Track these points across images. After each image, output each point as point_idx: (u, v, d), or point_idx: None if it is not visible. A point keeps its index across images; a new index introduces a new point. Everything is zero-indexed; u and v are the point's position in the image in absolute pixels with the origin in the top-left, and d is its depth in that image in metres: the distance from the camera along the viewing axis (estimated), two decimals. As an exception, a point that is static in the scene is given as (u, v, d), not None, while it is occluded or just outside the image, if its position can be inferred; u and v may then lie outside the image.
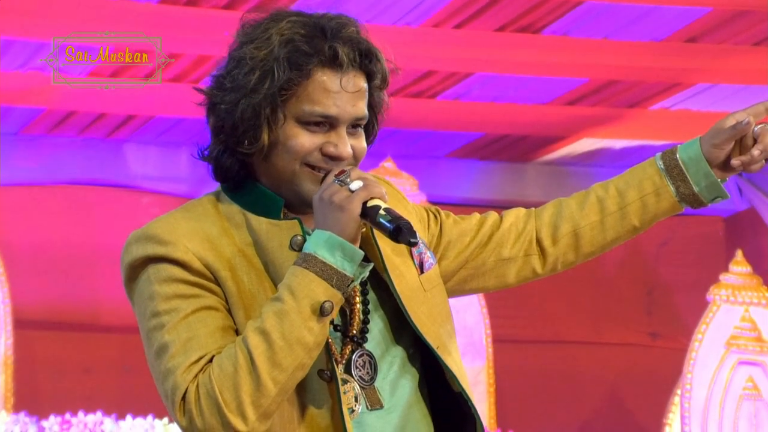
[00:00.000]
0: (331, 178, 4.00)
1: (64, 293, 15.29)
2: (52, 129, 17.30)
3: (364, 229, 4.06)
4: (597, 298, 18.26)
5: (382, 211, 3.89)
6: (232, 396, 4.02)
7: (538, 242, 4.65)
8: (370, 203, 3.89)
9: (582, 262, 4.72)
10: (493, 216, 4.72)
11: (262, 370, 4.02)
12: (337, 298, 3.91)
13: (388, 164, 14.33)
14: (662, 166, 4.45)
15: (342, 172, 3.98)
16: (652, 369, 17.34)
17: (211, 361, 4.06)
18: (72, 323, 15.30)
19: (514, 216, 4.69)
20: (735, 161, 4.29)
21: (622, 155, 17.50)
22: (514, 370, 14.61)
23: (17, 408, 14.55)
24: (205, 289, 4.15)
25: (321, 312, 3.92)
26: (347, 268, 3.98)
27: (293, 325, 4.02)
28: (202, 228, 4.24)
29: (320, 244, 4.00)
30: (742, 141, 4.42)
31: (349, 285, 3.98)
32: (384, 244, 4.27)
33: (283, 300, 4.01)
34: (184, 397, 3.98)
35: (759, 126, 4.34)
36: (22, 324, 14.89)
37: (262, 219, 4.19)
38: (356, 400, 4.27)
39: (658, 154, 4.50)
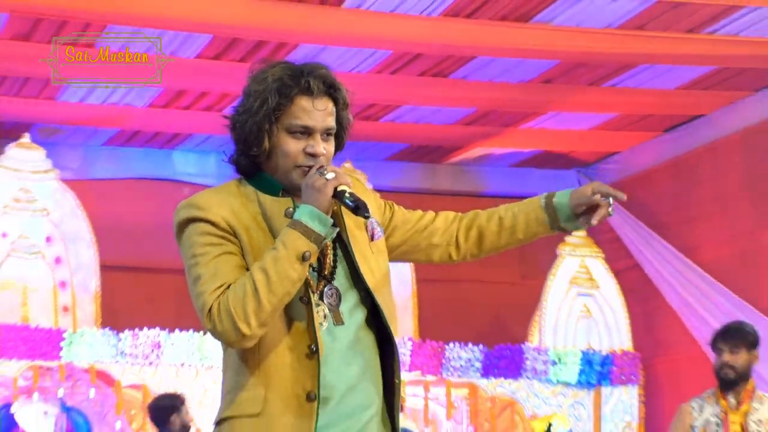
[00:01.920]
0: (314, 170, 4.13)
1: (134, 248, 14.89)
2: (125, 142, 16.33)
3: (335, 207, 4.21)
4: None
5: (347, 194, 4.07)
6: (241, 311, 4.10)
7: (456, 238, 4.74)
8: (339, 188, 4.05)
9: (483, 256, 4.85)
10: (430, 214, 4.83)
11: (261, 295, 4.12)
12: (314, 249, 4.12)
13: (347, 165, 13.25)
14: (543, 204, 4.58)
15: (321, 166, 4.14)
16: (522, 299, 16.94)
17: (228, 287, 4.17)
18: (139, 268, 15.02)
19: (444, 217, 4.80)
20: (582, 222, 4.52)
21: (500, 158, 16.40)
22: (430, 299, 14.27)
23: (103, 325, 13.92)
24: (228, 241, 4.27)
25: (302, 258, 4.09)
26: (321, 230, 4.11)
27: (284, 266, 4.12)
28: (228, 201, 4.36)
29: (304, 214, 4.11)
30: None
31: (322, 241, 4.14)
32: (348, 218, 4.40)
33: (278, 249, 4.14)
34: (210, 311, 4.15)
35: (602, 198, 4.45)
36: (105, 269, 14.25)
37: (267, 196, 4.39)
38: (325, 318, 4.30)
39: (543, 195, 4.66)
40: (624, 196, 4.50)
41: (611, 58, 13.36)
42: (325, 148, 4.28)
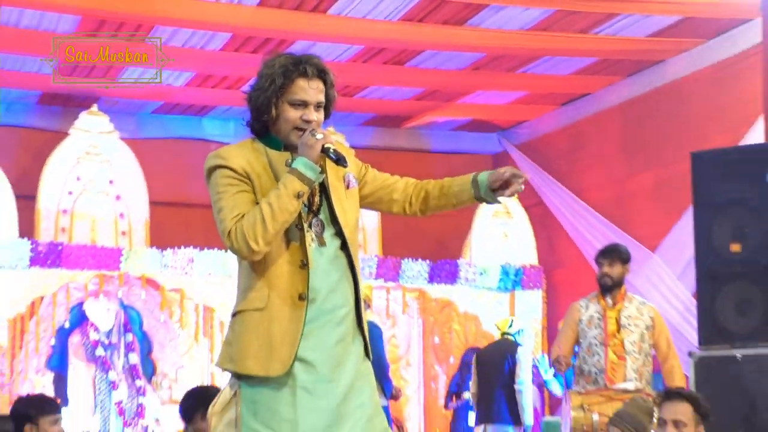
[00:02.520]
0: (307, 132, 4.23)
1: (174, 189, 14.36)
2: (167, 111, 15.66)
3: (321, 163, 4.27)
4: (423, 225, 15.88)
5: (331, 150, 4.19)
6: (252, 233, 4.19)
7: (410, 198, 4.67)
8: (326, 146, 4.17)
9: (429, 214, 4.74)
10: (395, 177, 4.82)
11: (267, 222, 4.21)
12: (306, 189, 4.21)
13: (331, 129, 12.40)
14: (471, 181, 4.47)
15: (313, 129, 4.23)
16: (458, 227, 15.65)
17: (243, 216, 4.25)
18: (177, 203, 14.39)
19: (404, 181, 4.75)
20: (498, 195, 4.44)
21: (443, 125, 16.06)
22: (391, 227, 13.82)
23: (151, 245, 13.63)
24: (243, 182, 4.35)
25: (297, 196, 4.20)
26: (311, 176, 4.20)
27: (284, 201, 4.22)
28: (244, 153, 4.44)
29: (300, 164, 4.21)
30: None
31: (312, 183, 4.22)
32: (330, 172, 4.46)
33: (280, 189, 4.24)
34: (229, 233, 4.25)
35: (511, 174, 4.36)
36: (153, 204, 13.96)
37: (273, 151, 4.46)
38: (313, 240, 4.39)
39: (472, 174, 4.59)
40: (527, 176, 4.59)
41: (523, 51, 13.18)
42: (316, 116, 4.33)
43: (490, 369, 12.76)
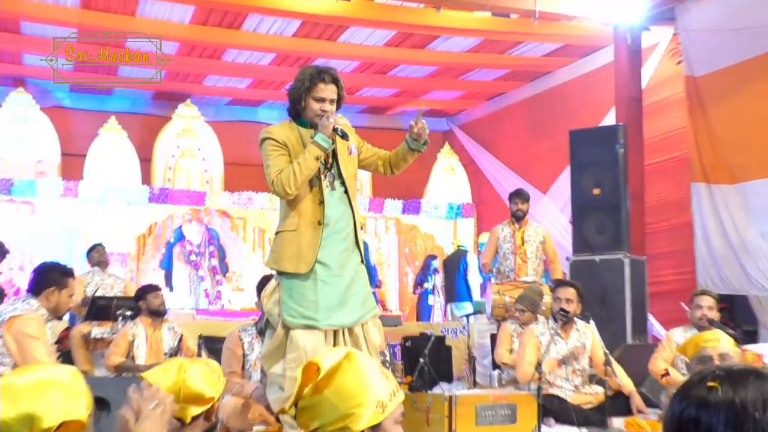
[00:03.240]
0: (324, 117, 4.22)
1: (240, 154, 13.22)
2: (236, 103, 14.87)
3: (333, 137, 4.24)
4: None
5: (339, 129, 4.20)
6: (287, 181, 4.19)
7: (386, 163, 4.58)
8: (336, 127, 4.17)
9: (397, 172, 4.66)
10: (381, 151, 4.69)
11: (297, 174, 4.21)
12: (322, 154, 4.22)
13: (340, 115, 12.06)
14: (404, 141, 4.42)
15: (329, 116, 4.23)
16: (421, 178, 14.99)
17: (281, 171, 4.24)
18: (242, 163, 13.30)
19: (385, 153, 4.64)
20: (414, 139, 4.36)
21: (411, 113, 15.84)
22: (377, 177, 13.45)
23: (225, 190, 13.59)
24: (282, 149, 4.33)
25: (316, 158, 4.21)
26: (326, 145, 4.16)
27: (308, 161, 4.21)
28: (284, 130, 4.43)
29: (319, 138, 4.16)
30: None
31: (326, 150, 4.20)
32: (339, 144, 4.41)
33: (305, 153, 4.22)
34: (273, 182, 4.27)
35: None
36: (227, 164, 13.79)
37: (303, 128, 4.39)
38: (326, 186, 4.36)
39: (406, 137, 4.57)
40: (421, 113, 4.51)
41: (463, 65, 13.07)
42: (330, 107, 4.34)
43: (452, 268, 13.24)
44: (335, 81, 4.41)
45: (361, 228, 9.49)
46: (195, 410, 2.65)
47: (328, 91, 4.37)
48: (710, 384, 1.35)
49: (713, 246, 9.43)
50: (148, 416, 2.20)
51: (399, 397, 2.18)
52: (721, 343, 3.45)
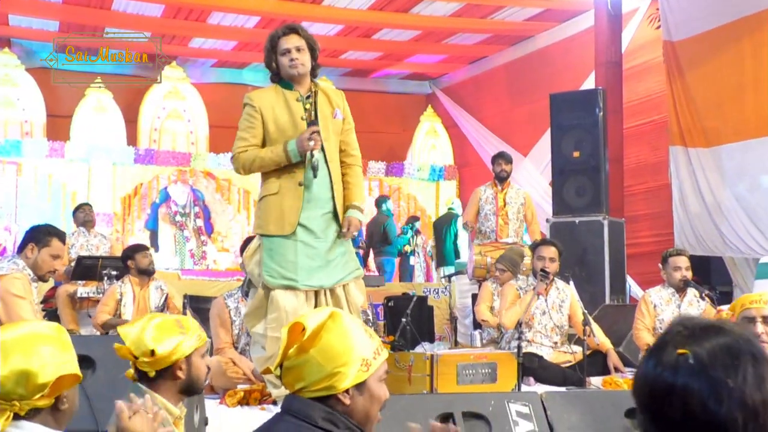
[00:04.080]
0: (308, 136, 4.17)
1: (223, 117, 12.12)
2: (221, 66, 14.69)
3: (308, 104, 4.28)
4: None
5: (315, 160, 4.19)
6: (244, 164, 4.25)
7: (343, 156, 4.43)
8: (312, 152, 4.16)
9: None
10: (351, 151, 4.54)
11: (254, 165, 4.22)
12: (284, 163, 4.21)
13: (329, 83, 11.84)
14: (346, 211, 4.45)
15: (313, 138, 4.16)
16: (404, 141, 15.31)
17: (245, 150, 4.27)
18: (225, 126, 13.54)
19: (352, 155, 4.53)
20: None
21: (394, 75, 16.27)
22: (362, 141, 13.62)
23: (210, 151, 13.35)
24: (255, 119, 4.26)
25: (278, 163, 4.20)
26: (293, 159, 4.14)
27: (268, 161, 4.19)
28: (268, 95, 4.37)
29: (291, 149, 4.11)
30: None
31: (290, 162, 4.20)
32: (323, 106, 4.35)
33: (272, 153, 4.18)
34: (233, 157, 4.35)
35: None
36: (211, 126, 13.33)
37: (287, 90, 4.29)
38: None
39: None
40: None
41: (445, 29, 12.93)
42: (298, 55, 4.24)
43: (442, 231, 13.19)
44: (293, 30, 4.33)
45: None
46: (150, 364, 2.58)
47: (288, 41, 4.27)
48: (680, 351, 1.36)
49: (690, 208, 9.47)
50: (141, 416, 2.18)
51: (383, 356, 2.15)
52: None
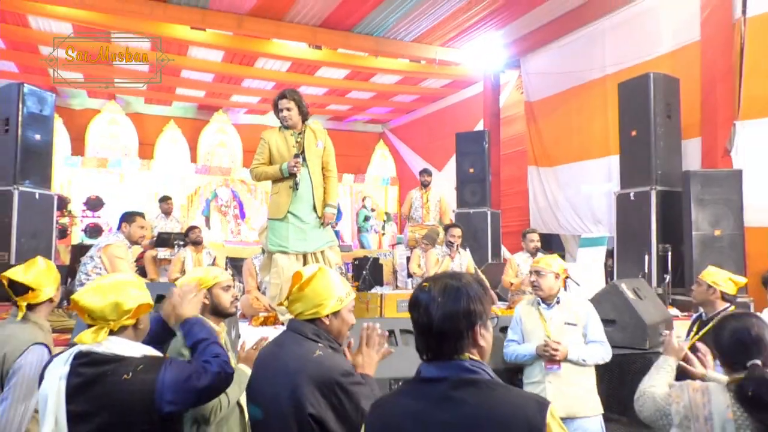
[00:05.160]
0: (293, 165, 3.99)
1: None
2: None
3: (299, 140, 4.06)
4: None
5: (296, 176, 4.02)
6: (256, 176, 4.07)
7: (324, 171, 4.24)
8: (294, 172, 3.98)
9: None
10: (330, 165, 4.27)
11: (261, 176, 4.04)
12: (279, 176, 4.02)
13: (318, 124, 11.61)
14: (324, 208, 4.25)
15: (296, 166, 3.97)
16: (371, 140, 15.47)
17: (257, 167, 4.09)
18: None
19: (330, 168, 4.26)
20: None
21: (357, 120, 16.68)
22: (338, 164, 13.27)
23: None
24: (265, 146, 4.08)
25: (275, 178, 4.06)
26: (284, 173, 3.99)
27: (270, 174, 4.04)
28: (273, 133, 4.17)
29: (283, 169, 3.98)
30: None
31: (283, 175, 4.00)
32: (309, 140, 4.13)
33: (275, 170, 4.02)
34: (251, 169, 4.12)
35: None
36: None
37: (286, 130, 4.11)
38: (302, 165, 4.07)
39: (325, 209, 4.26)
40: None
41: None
42: (287, 112, 4.04)
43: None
44: (284, 96, 4.13)
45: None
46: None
47: (282, 104, 4.10)
48: (424, 284, 1.48)
49: (539, 204, 9.53)
50: (188, 301, 2.13)
51: (352, 296, 2.14)
52: (542, 262, 3.47)
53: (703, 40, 6.44)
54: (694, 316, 3.60)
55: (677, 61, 6.86)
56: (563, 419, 3.16)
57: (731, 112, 6.07)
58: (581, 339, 3.36)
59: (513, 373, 3.51)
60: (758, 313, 3.01)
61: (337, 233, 11.86)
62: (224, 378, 1.91)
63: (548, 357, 3.25)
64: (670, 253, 5.73)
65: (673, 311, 5.11)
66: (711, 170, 5.78)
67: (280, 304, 2.24)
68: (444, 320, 1.41)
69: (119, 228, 4.63)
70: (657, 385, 2.08)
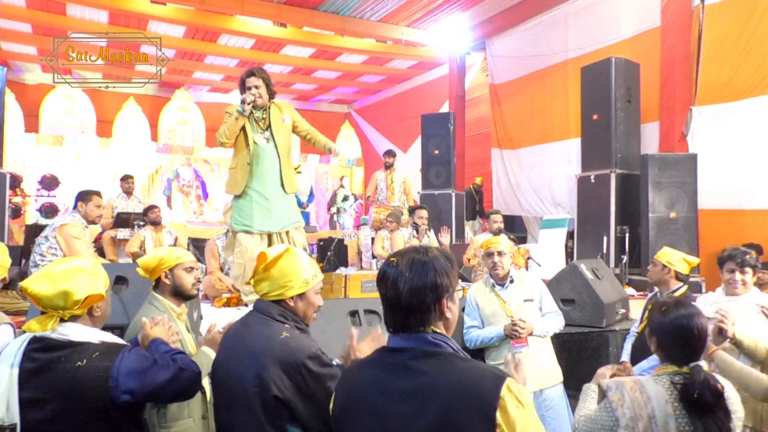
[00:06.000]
0: (243, 102, 3.83)
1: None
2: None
3: (265, 115, 3.93)
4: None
5: (245, 104, 3.82)
6: (221, 132, 3.85)
7: (308, 138, 4.14)
8: (246, 102, 3.82)
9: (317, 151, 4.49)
10: (312, 130, 4.19)
11: (225, 127, 3.84)
12: (238, 116, 3.84)
13: (282, 101, 11.46)
14: (323, 146, 4.12)
15: (248, 102, 3.83)
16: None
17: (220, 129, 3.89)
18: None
19: (312, 133, 4.17)
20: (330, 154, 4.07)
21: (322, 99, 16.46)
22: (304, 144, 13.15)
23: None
24: (230, 117, 3.89)
25: (236, 118, 3.84)
26: (240, 110, 3.82)
27: (230, 121, 3.83)
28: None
29: (237, 109, 3.85)
30: None
31: (240, 114, 3.84)
32: (275, 115, 3.98)
33: (232, 117, 3.85)
34: (217, 137, 3.91)
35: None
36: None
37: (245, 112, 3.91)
38: (262, 141, 3.97)
39: (325, 144, 4.10)
40: (337, 153, 4.09)
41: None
42: (256, 90, 3.92)
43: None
44: (253, 74, 4.01)
45: (300, 173, 9.20)
46: (148, 273, 2.46)
47: (250, 81, 3.97)
48: (392, 259, 1.49)
49: (502, 186, 9.63)
50: (160, 328, 2.13)
51: (319, 278, 2.11)
52: (500, 244, 3.50)
53: (663, 27, 6.56)
54: (650, 295, 3.67)
55: (638, 46, 7.00)
56: (535, 392, 3.29)
57: (688, 98, 6.22)
58: (539, 313, 3.44)
59: (475, 353, 3.53)
60: (711, 292, 3.17)
61: (307, 215, 11.87)
62: (189, 376, 1.88)
63: (516, 336, 3.28)
64: (627, 235, 5.87)
65: (630, 291, 5.19)
66: (668, 154, 5.87)
67: (248, 283, 2.18)
68: (412, 294, 1.42)
69: (75, 207, 4.50)
70: (588, 408, 2.04)
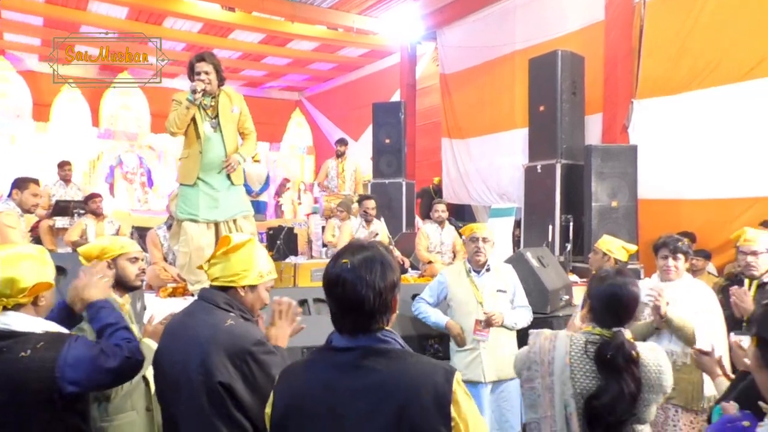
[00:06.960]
0: (193, 90, 3.80)
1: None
2: None
3: (214, 104, 3.87)
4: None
5: (196, 94, 3.77)
6: (171, 120, 3.82)
7: (242, 134, 4.13)
8: (194, 95, 3.77)
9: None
10: (249, 129, 4.12)
11: (175, 114, 3.80)
12: (188, 104, 3.77)
13: (232, 89, 11.29)
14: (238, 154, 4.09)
15: (197, 91, 3.77)
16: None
17: (168, 118, 3.85)
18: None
19: (248, 131, 4.12)
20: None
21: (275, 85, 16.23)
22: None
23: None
24: (177, 105, 3.84)
25: (187, 107, 3.79)
26: (190, 99, 3.78)
27: (180, 108, 3.79)
28: (185, 94, 3.89)
29: (187, 96, 3.82)
30: None
31: (191, 103, 3.78)
32: (224, 104, 3.94)
33: (182, 105, 3.80)
34: (167, 126, 3.88)
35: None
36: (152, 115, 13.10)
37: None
38: (210, 129, 3.94)
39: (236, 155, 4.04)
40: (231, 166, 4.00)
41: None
42: (204, 75, 3.85)
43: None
44: (203, 59, 3.94)
45: (258, 161, 8.98)
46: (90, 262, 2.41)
47: (200, 66, 3.91)
48: (344, 261, 1.44)
49: (451, 176, 9.72)
50: (95, 285, 2.03)
51: (273, 275, 2.11)
52: (485, 230, 3.53)
53: (606, 21, 6.68)
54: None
55: (583, 39, 7.12)
56: (494, 382, 3.38)
57: (630, 91, 6.39)
58: (510, 305, 3.47)
59: (425, 339, 3.59)
60: (647, 278, 3.29)
61: (264, 204, 11.67)
62: (134, 364, 1.83)
63: (484, 326, 3.33)
64: (571, 223, 5.99)
65: (573, 278, 5.35)
66: (610, 145, 6.02)
67: (200, 267, 2.17)
68: (375, 298, 1.40)
69: (10, 195, 4.34)
70: (523, 348, 2.26)
